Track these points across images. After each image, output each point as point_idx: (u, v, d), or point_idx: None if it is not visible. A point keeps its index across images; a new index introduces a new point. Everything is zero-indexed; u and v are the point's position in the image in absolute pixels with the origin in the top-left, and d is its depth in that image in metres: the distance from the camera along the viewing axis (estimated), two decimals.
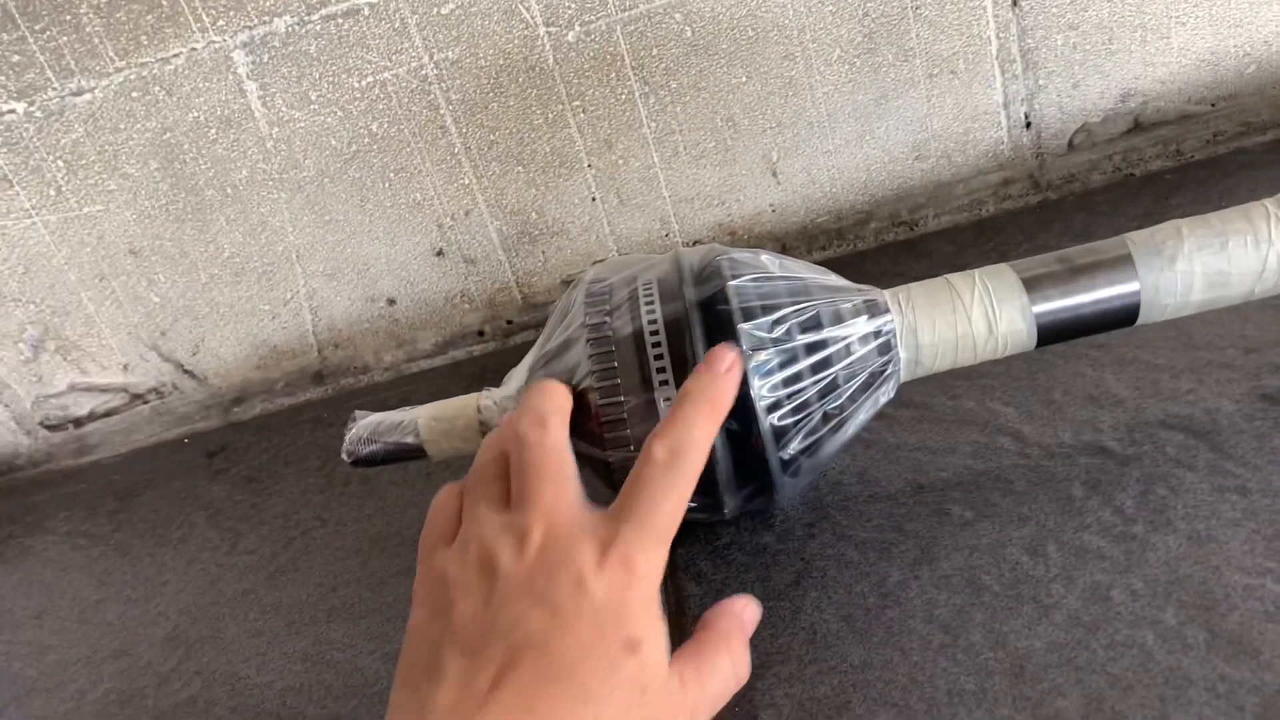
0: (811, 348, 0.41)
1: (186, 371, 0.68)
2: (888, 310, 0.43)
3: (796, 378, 0.40)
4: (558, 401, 0.39)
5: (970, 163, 0.64)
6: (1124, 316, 0.42)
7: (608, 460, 0.41)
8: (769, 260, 0.43)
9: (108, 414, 0.70)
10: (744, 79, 0.60)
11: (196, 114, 0.59)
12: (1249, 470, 0.41)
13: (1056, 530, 0.41)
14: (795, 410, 0.40)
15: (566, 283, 0.65)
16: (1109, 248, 0.43)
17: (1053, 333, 0.43)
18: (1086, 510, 0.41)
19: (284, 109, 0.59)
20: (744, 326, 0.40)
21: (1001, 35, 0.60)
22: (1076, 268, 0.42)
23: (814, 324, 0.41)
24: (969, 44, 0.60)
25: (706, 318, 0.40)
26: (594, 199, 0.63)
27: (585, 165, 0.62)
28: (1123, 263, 0.42)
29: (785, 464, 0.41)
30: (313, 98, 0.59)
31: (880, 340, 0.42)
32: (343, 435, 0.48)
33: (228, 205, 0.62)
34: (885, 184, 0.64)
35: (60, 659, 0.52)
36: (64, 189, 0.62)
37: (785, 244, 0.65)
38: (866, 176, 0.64)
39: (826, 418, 0.41)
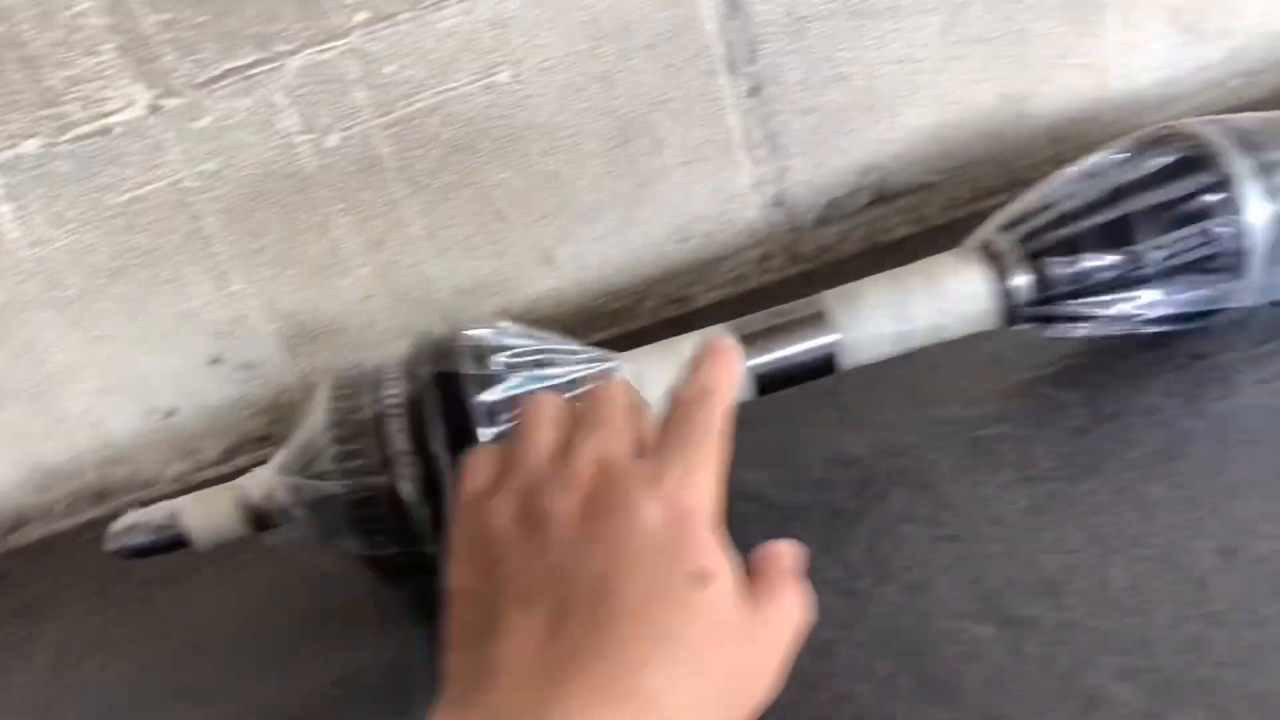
0: None
1: None
2: (619, 372, 0.47)
3: None
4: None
5: (731, 240, 0.67)
6: (828, 364, 0.48)
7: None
8: (509, 326, 0.49)
9: None
10: (507, 175, 0.62)
11: None
12: (960, 518, 0.44)
13: None
14: None
15: None
16: (810, 304, 0.48)
17: (769, 383, 0.47)
18: (820, 568, 0.43)
19: (41, 229, 0.59)
20: (475, 395, 0.44)
21: (745, 122, 0.64)
22: (785, 324, 0.48)
23: (546, 383, 0.45)
24: (716, 132, 0.64)
25: (441, 379, 0.44)
26: (370, 296, 0.64)
27: (358, 265, 0.63)
28: (822, 317, 0.47)
29: None
30: (70, 216, 0.58)
31: None
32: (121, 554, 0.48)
33: None
34: (654, 265, 0.67)
35: None
36: None
37: (565, 327, 0.67)
38: (636, 259, 0.67)
39: None
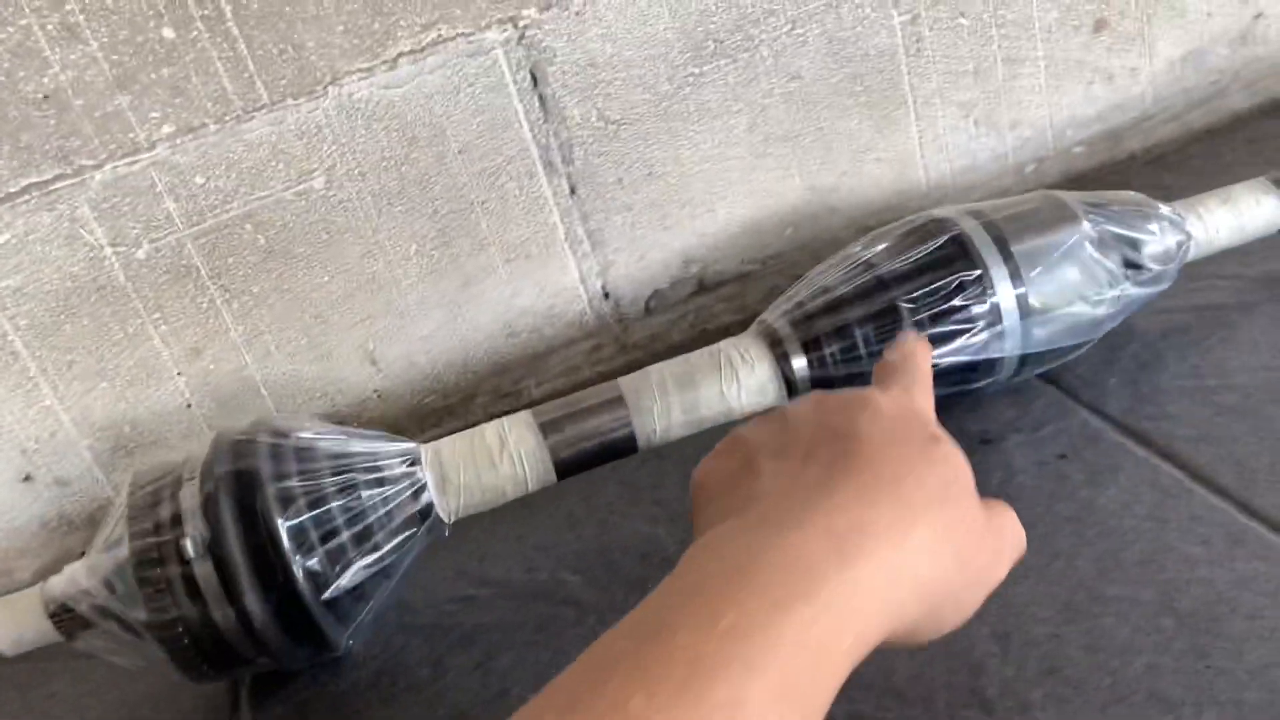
0: (343, 490, 0.45)
1: None
2: (419, 460, 0.48)
3: (329, 518, 0.44)
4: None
5: (560, 334, 0.69)
6: (626, 446, 0.49)
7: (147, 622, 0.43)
8: (311, 422, 0.49)
9: None
10: (327, 279, 0.62)
11: None
12: None
13: None
14: (329, 553, 0.44)
15: None
16: (606, 390, 0.50)
17: (569, 466, 0.49)
18: None
19: None
20: (271, 489, 0.44)
21: (566, 220, 0.65)
22: (583, 410, 0.49)
23: (346, 471, 0.45)
24: (538, 230, 0.65)
25: (237, 478, 0.44)
26: (189, 405, 0.63)
27: (175, 374, 0.62)
28: (618, 403, 0.49)
29: (329, 605, 0.44)
30: None
31: (413, 483, 0.47)
32: None
33: None
34: (484, 360, 0.68)
35: None
36: None
37: (395, 426, 0.67)
38: (465, 355, 0.67)
39: (365, 558, 0.45)
